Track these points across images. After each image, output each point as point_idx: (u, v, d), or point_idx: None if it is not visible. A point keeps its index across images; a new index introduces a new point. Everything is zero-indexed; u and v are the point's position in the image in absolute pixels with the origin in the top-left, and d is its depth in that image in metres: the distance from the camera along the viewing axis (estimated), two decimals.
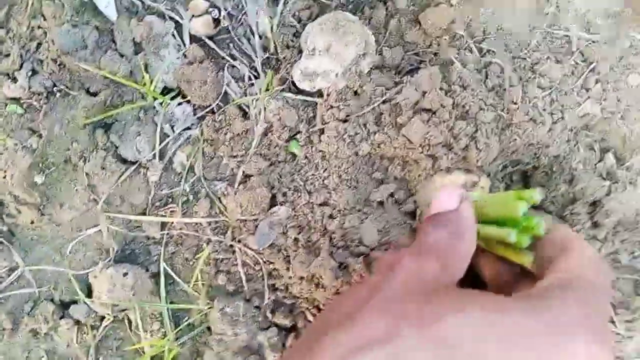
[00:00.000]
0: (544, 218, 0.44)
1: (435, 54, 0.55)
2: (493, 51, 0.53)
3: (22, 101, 0.53)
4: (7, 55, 0.53)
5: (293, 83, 0.56)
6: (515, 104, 0.52)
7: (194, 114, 0.57)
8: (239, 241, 0.54)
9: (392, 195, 0.52)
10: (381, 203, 0.52)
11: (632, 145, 0.55)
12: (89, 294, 0.55)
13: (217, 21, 0.57)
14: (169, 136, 0.56)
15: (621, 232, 0.53)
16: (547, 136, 0.51)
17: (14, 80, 0.53)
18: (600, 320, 0.31)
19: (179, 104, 0.56)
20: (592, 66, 0.53)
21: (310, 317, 0.53)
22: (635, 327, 0.52)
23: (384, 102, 0.53)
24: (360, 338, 0.30)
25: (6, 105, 0.53)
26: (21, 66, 0.53)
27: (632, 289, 0.53)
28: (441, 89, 0.51)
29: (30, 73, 0.53)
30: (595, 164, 0.53)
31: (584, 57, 0.54)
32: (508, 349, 0.28)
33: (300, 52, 0.57)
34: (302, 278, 0.52)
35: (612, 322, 0.52)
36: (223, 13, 0.56)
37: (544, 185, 0.53)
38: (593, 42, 0.54)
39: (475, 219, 0.40)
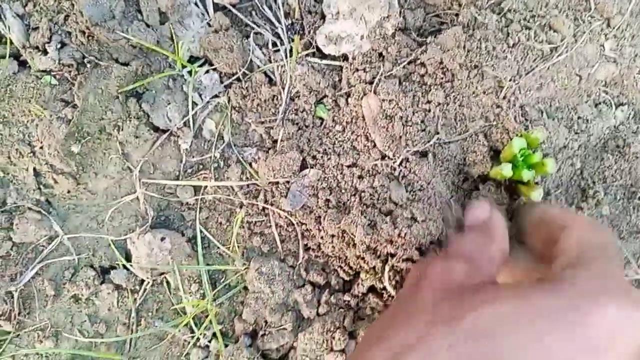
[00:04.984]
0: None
1: (457, 15, 0.56)
2: (514, 10, 0.54)
3: (53, 73, 0.54)
4: (36, 29, 0.54)
5: (317, 48, 0.57)
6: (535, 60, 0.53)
7: (221, 82, 0.58)
8: (272, 204, 0.55)
9: None
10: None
11: None
12: (128, 259, 0.56)
13: None
14: (197, 104, 0.57)
15: None
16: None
17: (44, 52, 0.54)
18: (616, 282, 0.33)
19: (206, 72, 0.57)
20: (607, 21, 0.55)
21: (342, 275, 0.55)
22: None
23: (409, 62, 0.54)
24: (395, 347, 0.32)
25: (37, 77, 0.54)
26: (50, 39, 0.54)
27: None
28: (464, 47, 0.52)
29: (59, 45, 0.54)
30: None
31: (600, 13, 0.56)
32: (539, 331, 0.29)
33: (323, 16, 0.58)
34: (333, 236, 0.53)
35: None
36: None
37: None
38: None
39: (504, 221, 0.44)
